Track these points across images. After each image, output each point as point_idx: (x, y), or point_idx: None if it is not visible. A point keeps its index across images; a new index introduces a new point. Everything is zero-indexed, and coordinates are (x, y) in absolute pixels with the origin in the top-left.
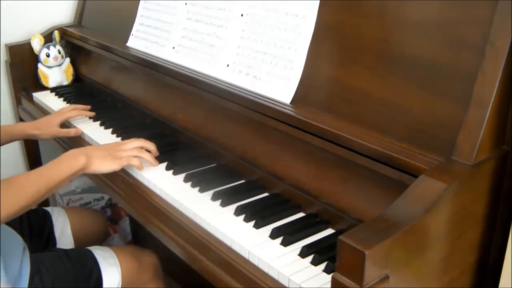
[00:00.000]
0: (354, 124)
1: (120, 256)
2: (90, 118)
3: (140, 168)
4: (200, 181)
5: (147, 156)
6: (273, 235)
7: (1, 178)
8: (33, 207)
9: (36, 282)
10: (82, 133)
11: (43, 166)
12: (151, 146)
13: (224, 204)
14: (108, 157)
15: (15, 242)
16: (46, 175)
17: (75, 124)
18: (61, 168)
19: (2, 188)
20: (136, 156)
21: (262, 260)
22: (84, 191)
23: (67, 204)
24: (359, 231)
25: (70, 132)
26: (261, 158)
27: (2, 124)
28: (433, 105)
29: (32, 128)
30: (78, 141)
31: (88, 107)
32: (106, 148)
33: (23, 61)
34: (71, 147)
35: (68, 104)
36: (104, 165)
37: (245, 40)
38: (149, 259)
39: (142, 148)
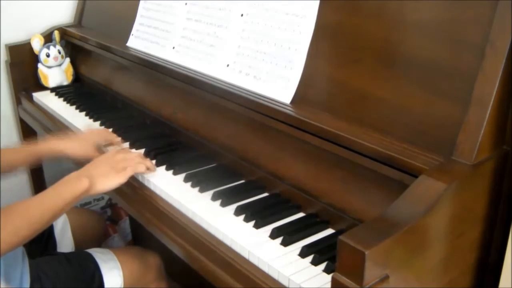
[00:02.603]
0: (354, 124)
1: (122, 258)
2: (90, 118)
3: (145, 172)
4: (200, 181)
5: (149, 164)
6: (273, 235)
7: (1, 181)
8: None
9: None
10: (79, 130)
11: (45, 191)
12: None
13: (224, 204)
14: (111, 172)
15: (15, 251)
16: (48, 201)
17: (75, 124)
18: (63, 192)
19: (4, 216)
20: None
21: (262, 260)
22: None
23: None
24: (359, 231)
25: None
26: (261, 158)
27: (2, 125)
28: (433, 105)
29: (62, 144)
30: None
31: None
32: (106, 162)
33: (23, 61)
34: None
35: (68, 104)
36: (109, 183)
37: (245, 40)
38: (152, 259)
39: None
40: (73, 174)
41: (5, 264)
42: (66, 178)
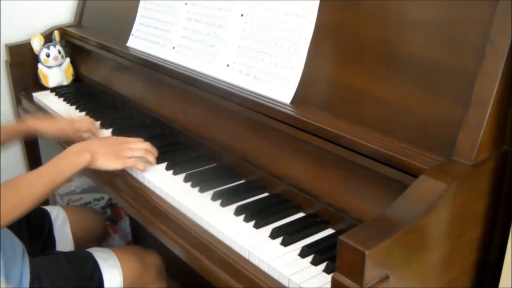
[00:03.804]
0: (354, 124)
1: (122, 257)
2: (90, 118)
3: (144, 170)
4: (200, 181)
5: (152, 159)
6: (273, 235)
7: (1, 178)
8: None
9: (36, 287)
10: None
11: (47, 164)
12: (155, 152)
13: (224, 204)
14: (112, 155)
15: (15, 247)
16: (50, 174)
17: None
18: (65, 165)
19: (6, 191)
20: (138, 157)
21: (262, 260)
22: (84, 191)
23: (67, 204)
24: (359, 231)
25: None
26: (261, 158)
27: (2, 124)
28: (433, 105)
29: (40, 125)
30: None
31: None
32: (111, 145)
33: (23, 61)
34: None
35: (68, 104)
36: (107, 163)
37: (245, 40)
38: (152, 259)
39: (147, 150)
40: (75, 147)
41: (5, 262)
42: (68, 151)
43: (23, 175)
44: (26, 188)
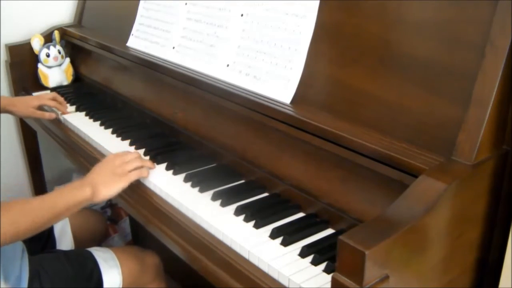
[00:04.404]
0: (354, 124)
1: (121, 257)
2: (90, 118)
3: (148, 176)
4: (200, 181)
5: (149, 164)
6: (273, 235)
7: (1, 179)
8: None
9: (35, 285)
10: (79, 129)
11: (50, 193)
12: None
13: (224, 204)
14: (114, 177)
15: (15, 245)
16: (49, 200)
17: (75, 124)
18: (66, 195)
19: (2, 210)
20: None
21: (262, 260)
22: None
23: None
24: (359, 231)
25: (45, 115)
26: (261, 158)
27: (2, 125)
28: (433, 105)
29: (10, 104)
30: (76, 140)
31: (65, 104)
32: (108, 168)
33: (23, 61)
34: (70, 146)
35: (68, 104)
36: (113, 189)
37: (245, 40)
38: (151, 259)
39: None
40: (76, 182)
41: (4, 260)
42: (70, 184)
43: (19, 199)
44: (21, 211)
